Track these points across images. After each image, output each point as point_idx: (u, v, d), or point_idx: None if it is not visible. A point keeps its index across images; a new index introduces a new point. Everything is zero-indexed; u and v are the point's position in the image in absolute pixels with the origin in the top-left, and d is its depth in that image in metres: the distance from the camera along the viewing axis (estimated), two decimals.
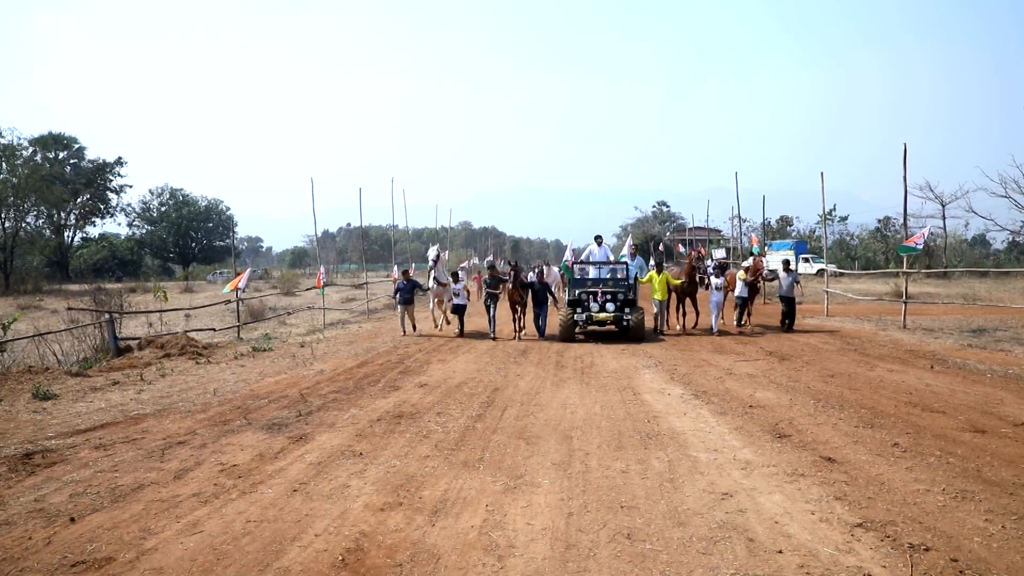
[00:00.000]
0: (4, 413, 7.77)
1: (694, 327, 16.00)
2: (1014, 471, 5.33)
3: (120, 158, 68.20)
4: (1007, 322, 16.13)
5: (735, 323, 16.02)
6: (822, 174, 21.04)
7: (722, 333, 15.15)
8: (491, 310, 15.41)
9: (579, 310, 14.39)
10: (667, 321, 15.99)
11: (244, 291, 18.50)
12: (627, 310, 14.32)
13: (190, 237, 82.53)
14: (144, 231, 79.99)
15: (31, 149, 57.47)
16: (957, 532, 4.13)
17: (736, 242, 38.92)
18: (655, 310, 15.58)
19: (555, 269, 25.41)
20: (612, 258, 17.58)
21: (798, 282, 16.03)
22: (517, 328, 15.20)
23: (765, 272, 16.08)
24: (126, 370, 10.81)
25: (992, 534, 4.11)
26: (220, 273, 65.55)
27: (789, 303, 15.81)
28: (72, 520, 4.43)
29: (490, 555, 3.86)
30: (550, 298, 15.88)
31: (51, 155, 62.37)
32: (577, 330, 14.56)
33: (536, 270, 16.81)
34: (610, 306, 14.28)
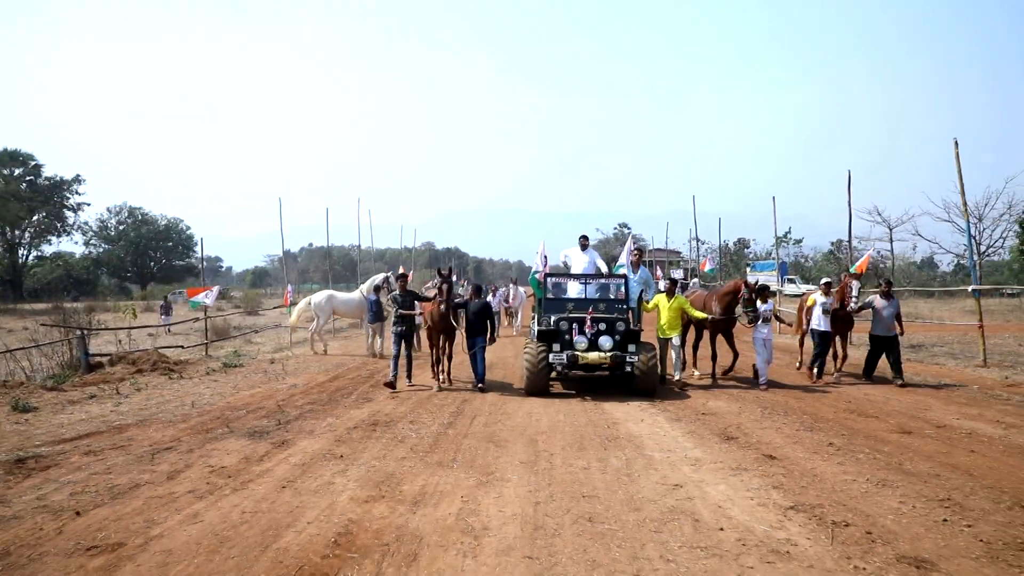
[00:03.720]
0: None
1: (727, 372, 11.66)
2: (930, 464, 6.00)
3: (78, 176, 67.28)
4: (944, 338, 17.15)
5: (809, 369, 11.33)
6: (774, 198, 22.09)
7: (773, 384, 10.66)
8: (399, 343, 10.64)
9: (556, 347, 9.80)
10: (681, 365, 11.06)
11: (211, 306, 18.61)
12: (631, 348, 9.78)
13: (148, 256, 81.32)
14: (101, 250, 78.71)
15: None
16: (874, 512, 4.74)
17: (694, 263, 40.00)
18: (661, 353, 10.82)
19: (521, 290, 22.40)
20: (603, 268, 12.60)
21: (899, 314, 11.15)
22: (440, 370, 10.81)
23: (854, 298, 11.17)
24: (100, 385, 10.99)
25: (904, 513, 4.72)
26: (180, 292, 64.81)
27: (888, 344, 11.00)
28: (77, 514, 4.77)
29: (467, 535, 4.33)
30: (490, 326, 10.85)
31: (6, 172, 61.19)
32: (553, 375, 10.12)
33: (466, 284, 12.03)
34: (605, 341, 9.68)
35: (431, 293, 11.32)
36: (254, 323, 28.35)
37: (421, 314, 11.40)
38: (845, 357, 11.65)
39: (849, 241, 18.68)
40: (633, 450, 6.60)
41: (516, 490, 5.29)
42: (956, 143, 13.51)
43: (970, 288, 13.38)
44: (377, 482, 5.51)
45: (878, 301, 11.23)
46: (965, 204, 13.59)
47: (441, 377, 10.80)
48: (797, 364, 12.32)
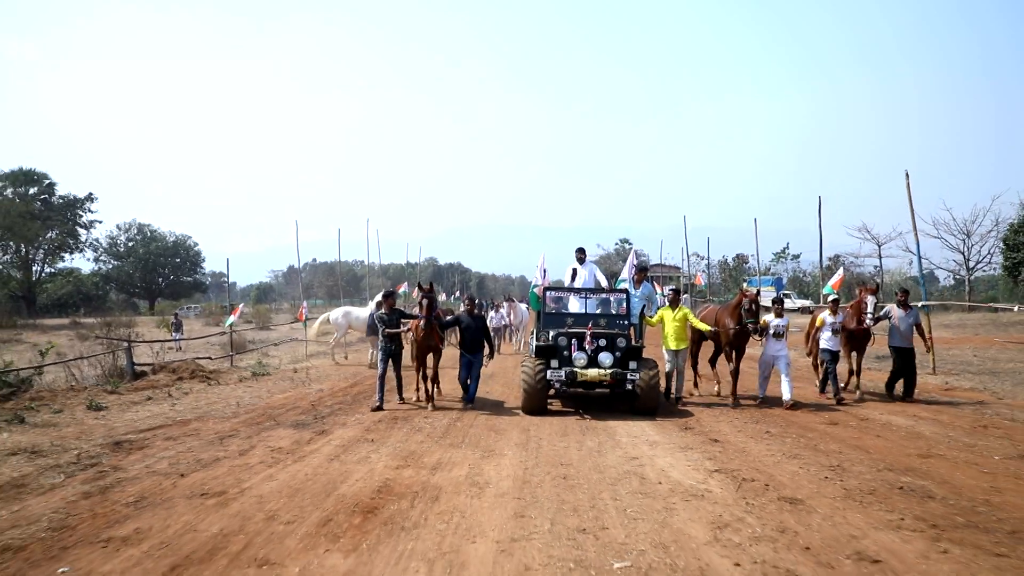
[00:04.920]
0: (72, 419, 9.57)
1: (723, 395, 11.20)
2: (839, 445, 7.61)
3: (91, 194, 69.18)
4: None
5: (822, 390, 11.40)
6: (755, 220, 23.79)
7: (797, 406, 10.15)
8: (385, 361, 10.53)
9: (555, 363, 9.73)
10: (682, 382, 10.92)
11: (237, 322, 20.30)
12: (632, 364, 9.68)
13: (157, 272, 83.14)
14: (111, 266, 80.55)
15: (0, 184, 58.56)
16: (776, 473, 6.35)
17: (688, 280, 41.60)
18: (667, 366, 10.86)
19: (522, 307, 22.06)
20: (604, 283, 12.28)
21: (920, 325, 11.17)
22: (426, 389, 10.56)
23: (869, 314, 10.83)
24: (151, 390, 12.57)
25: (798, 474, 6.33)
26: (190, 308, 66.59)
27: (905, 356, 10.96)
28: (182, 475, 6.38)
29: (474, 487, 5.94)
30: (486, 343, 11.03)
31: (22, 190, 63.11)
32: (551, 393, 9.92)
33: (466, 300, 11.88)
34: (605, 358, 9.61)
35: (417, 310, 10.77)
36: (267, 337, 29.90)
37: (407, 331, 11.16)
38: (859, 373, 11.29)
39: (820, 260, 20.29)
40: (606, 436, 8.21)
41: (511, 461, 6.90)
42: (907, 175, 15.17)
43: (919, 304, 14.91)
44: (404, 456, 7.12)
45: (895, 312, 11.06)
46: (915, 228, 15.20)
47: (423, 396, 10.64)
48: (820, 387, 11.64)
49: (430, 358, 10.62)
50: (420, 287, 10.68)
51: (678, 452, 7.30)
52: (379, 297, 17.00)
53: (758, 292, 11.05)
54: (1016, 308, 24.34)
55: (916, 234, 15.26)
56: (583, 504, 5.42)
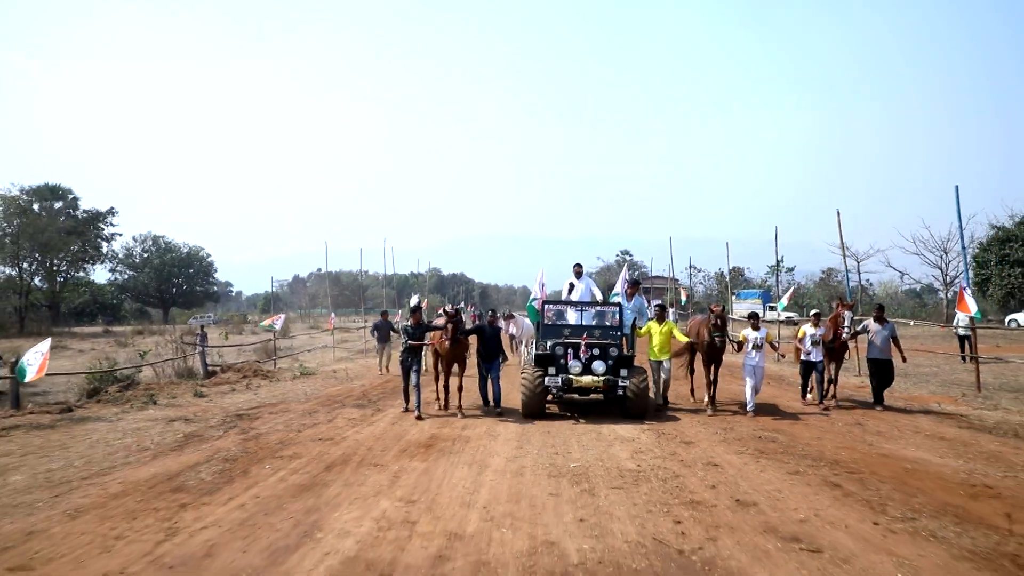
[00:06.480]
0: (188, 402, 12.93)
1: (706, 401, 11.82)
2: (740, 419, 10.97)
3: (112, 208, 72.74)
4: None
5: (803, 397, 12.56)
6: (727, 244, 27.13)
7: (762, 411, 11.49)
8: (411, 372, 11.23)
9: (552, 370, 10.68)
10: (667, 391, 12.11)
11: (279, 330, 23.73)
12: (623, 372, 10.61)
13: (171, 283, 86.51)
14: (126, 277, 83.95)
15: (25, 199, 62.27)
16: (687, 431, 9.75)
17: (673, 293, 44.90)
18: (653, 375, 11.94)
19: (526, 321, 20.78)
20: (599, 296, 13.44)
21: (896, 338, 11.96)
22: (447, 398, 11.69)
23: (846, 326, 11.91)
24: (228, 384, 15.93)
25: (701, 432, 9.73)
26: (203, 316, 70.10)
27: (883, 368, 11.87)
28: (298, 431, 9.76)
29: (490, 436, 9.35)
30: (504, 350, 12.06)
31: (47, 205, 66.71)
32: (549, 398, 11.05)
33: (489, 312, 12.88)
34: (598, 366, 10.56)
35: (440, 322, 11.63)
36: (290, 345, 33.14)
37: (430, 344, 11.93)
38: (835, 382, 12.33)
39: (777, 280, 23.62)
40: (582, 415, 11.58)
41: (514, 425, 10.30)
42: (838, 213, 18.53)
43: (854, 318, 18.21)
44: (441, 423, 10.53)
45: (872, 326, 11.88)
46: (844, 257, 18.55)
47: (448, 404, 11.51)
48: (801, 394, 12.81)
49: (456, 369, 11.78)
50: (446, 312, 11.69)
51: (627, 420, 10.69)
52: (414, 300, 20.34)
53: (723, 308, 12.15)
54: (912, 323, 27.60)
55: (845, 263, 18.60)
56: (558, 443, 8.83)
